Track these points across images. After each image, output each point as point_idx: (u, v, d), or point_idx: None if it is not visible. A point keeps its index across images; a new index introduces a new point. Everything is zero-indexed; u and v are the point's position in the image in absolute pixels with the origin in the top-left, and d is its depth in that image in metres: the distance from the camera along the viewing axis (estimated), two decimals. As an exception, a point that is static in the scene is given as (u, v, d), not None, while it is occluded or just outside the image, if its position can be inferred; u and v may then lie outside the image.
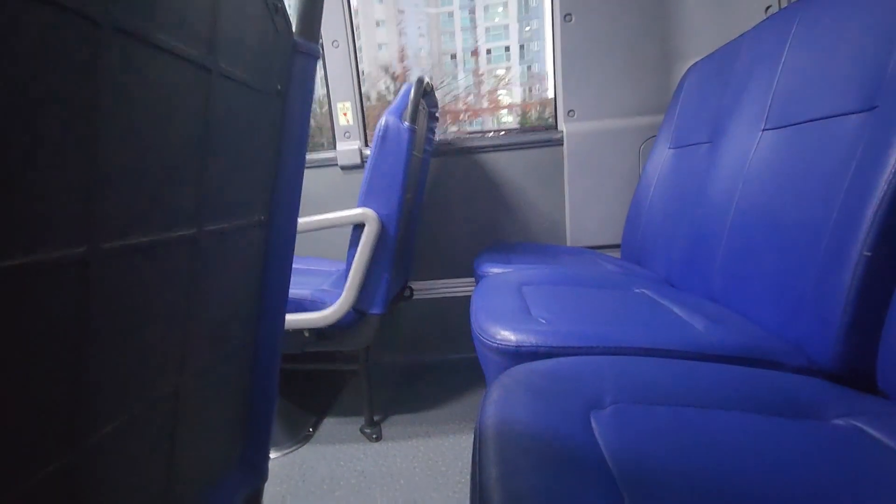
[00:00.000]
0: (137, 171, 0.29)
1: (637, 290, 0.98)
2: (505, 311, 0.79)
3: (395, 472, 1.09)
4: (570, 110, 1.58)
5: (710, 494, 0.37)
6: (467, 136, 1.70)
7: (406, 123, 1.09)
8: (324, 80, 1.66)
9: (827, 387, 0.57)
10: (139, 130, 0.29)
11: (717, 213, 0.92)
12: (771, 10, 1.15)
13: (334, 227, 1.14)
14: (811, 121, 0.72)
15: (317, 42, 0.48)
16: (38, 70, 0.22)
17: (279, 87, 0.44)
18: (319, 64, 1.27)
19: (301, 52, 0.46)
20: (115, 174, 0.27)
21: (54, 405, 0.27)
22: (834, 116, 0.68)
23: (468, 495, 1.00)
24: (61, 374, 0.27)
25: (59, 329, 0.26)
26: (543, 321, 0.75)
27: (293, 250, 0.52)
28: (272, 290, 0.50)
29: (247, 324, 0.49)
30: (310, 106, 0.48)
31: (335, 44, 1.60)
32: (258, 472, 0.55)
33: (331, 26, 1.59)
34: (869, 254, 0.56)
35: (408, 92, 1.14)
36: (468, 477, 1.06)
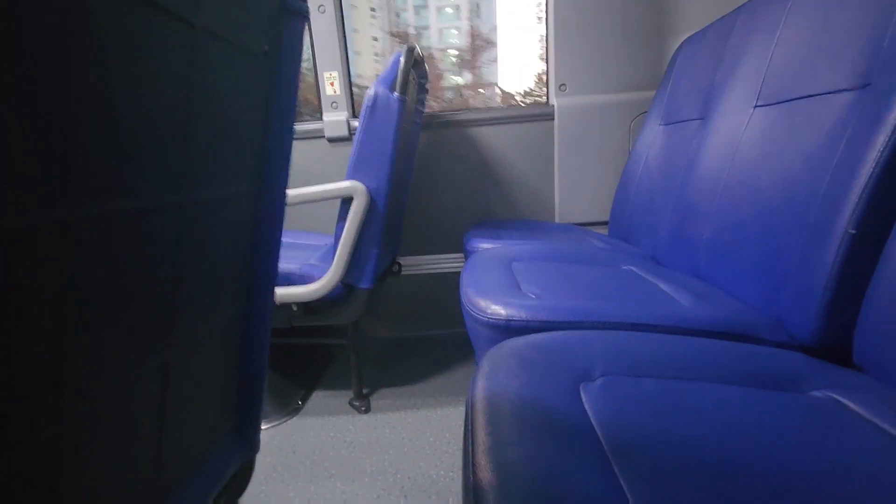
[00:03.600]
0: (117, 131, 0.28)
1: (624, 267, 0.99)
2: (495, 286, 0.79)
3: (384, 442, 1.11)
4: (562, 84, 1.56)
5: (695, 461, 0.38)
6: (458, 109, 1.67)
7: (396, 94, 1.06)
8: (310, 48, 1.60)
9: (806, 360, 0.59)
10: (118, 87, 0.27)
11: (706, 191, 0.93)
12: (767, -15, 1.14)
13: (322, 200, 1.12)
14: (803, 98, 0.72)
15: (305, 3, 0.46)
16: (8, 24, 0.20)
17: (266, 48, 0.42)
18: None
19: (289, 11, 0.43)
20: (93, 134, 0.26)
21: (36, 377, 0.26)
22: (826, 94, 0.68)
23: (455, 465, 1.03)
24: (42, 344, 0.26)
25: (39, 296, 0.25)
26: (533, 296, 0.76)
27: (283, 221, 0.50)
28: (261, 262, 0.50)
29: (236, 296, 0.49)
30: (298, 69, 0.46)
31: (321, 9, 1.54)
32: (250, 443, 0.55)
33: None
34: (854, 231, 0.57)
35: (397, 61, 1.11)
36: (456, 447, 1.09)
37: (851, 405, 0.48)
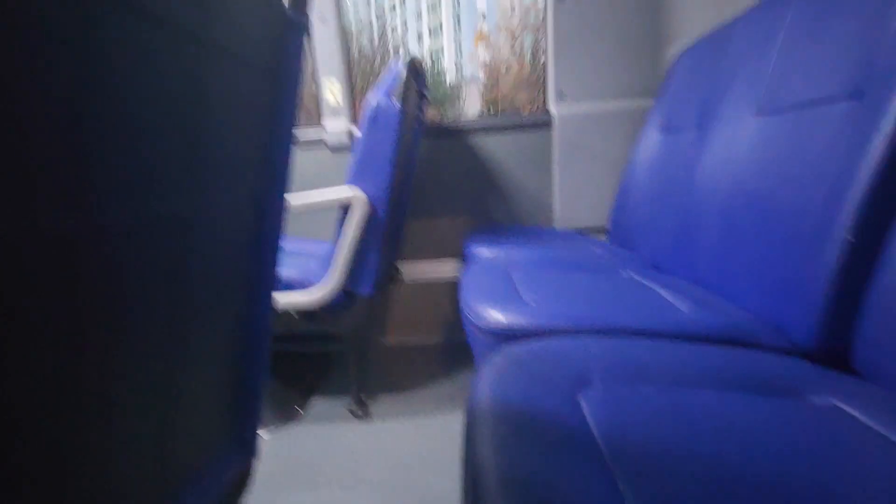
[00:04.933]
0: (126, 143, 0.28)
1: (624, 274, 1.00)
2: (494, 292, 0.79)
3: (383, 449, 1.11)
4: (561, 92, 1.57)
5: (695, 469, 0.38)
6: (458, 118, 1.68)
7: (397, 103, 1.07)
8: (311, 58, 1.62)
9: (806, 367, 0.59)
10: (127, 101, 0.27)
11: (705, 198, 0.93)
12: (764, -5, 1.15)
13: (323, 207, 1.12)
14: (801, 107, 0.73)
15: (307, 16, 0.47)
16: (20, 39, 0.21)
17: (269, 60, 0.43)
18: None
19: (291, 25, 0.44)
20: (102, 147, 0.26)
21: (39, 383, 0.26)
22: (824, 103, 0.69)
23: (455, 472, 1.02)
24: (48, 351, 0.26)
25: (47, 306, 0.25)
26: (533, 303, 0.76)
27: (283, 229, 0.51)
28: (262, 269, 0.50)
29: (237, 303, 0.49)
30: (300, 81, 0.47)
31: (323, 19, 1.56)
32: (249, 450, 0.55)
33: (319, 1, 1.54)
34: (852, 239, 0.57)
35: (398, 71, 1.12)
36: (455, 454, 1.08)
37: (852, 411, 0.48)
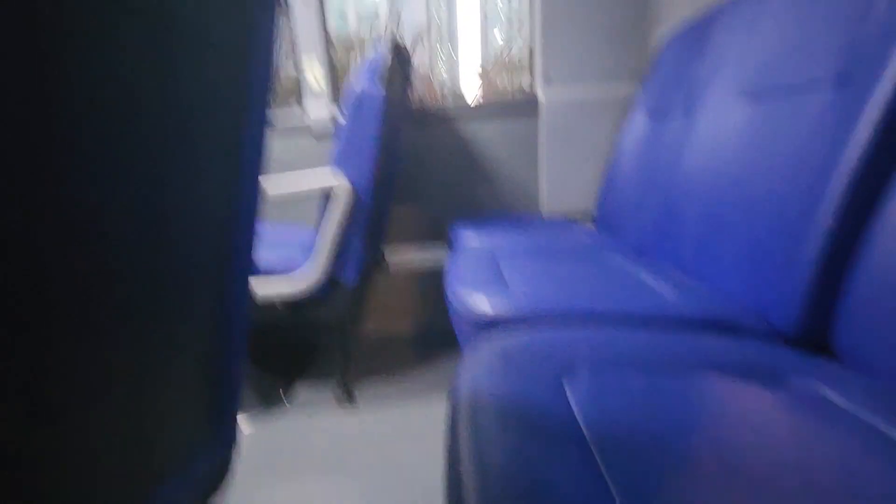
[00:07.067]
0: (80, 130, 0.26)
1: (610, 260, 1.00)
2: (480, 280, 0.79)
3: (369, 437, 1.11)
4: (548, 76, 1.56)
5: (678, 454, 0.38)
6: (444, 102, 1.65)
7: (381, 88, 1.05)
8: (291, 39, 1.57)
9: (787, 352, 0.59)
10: (81, 78, 0.25)
11: (690, 184, 0.93)
12: (751, -21, 1.14)
13: (306, 194, 1.10)
14: (787, 92, 0.73)
15: None
16: None
17: (237, 37, 0.41)
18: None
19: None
20: (57, 134, 0.24)
21: (2, 377, 0.25)
22: (809, 88, 0.68)
23: (440, 459, 1.03)
24: (11, 343, 0.25)
25: (4, 297, 0.24)
26: (518, 291, 0.75)
27: (259, 214, 0.49)
28: (238, 256, 0.48)
29: (212, 292, 0.47)
30: (273, 57, 0.45)
31: None
32: (229, 441, 0.54)
33: None
34: (834, 224, 0.58)
35: (383, 55, 1.09)
36: (440, 442, 1.08)
37: (833, 397, 0.48)
